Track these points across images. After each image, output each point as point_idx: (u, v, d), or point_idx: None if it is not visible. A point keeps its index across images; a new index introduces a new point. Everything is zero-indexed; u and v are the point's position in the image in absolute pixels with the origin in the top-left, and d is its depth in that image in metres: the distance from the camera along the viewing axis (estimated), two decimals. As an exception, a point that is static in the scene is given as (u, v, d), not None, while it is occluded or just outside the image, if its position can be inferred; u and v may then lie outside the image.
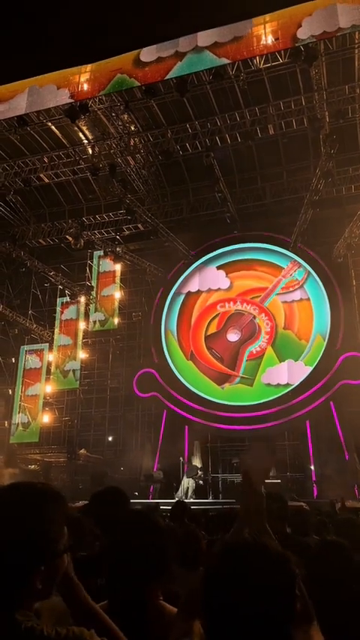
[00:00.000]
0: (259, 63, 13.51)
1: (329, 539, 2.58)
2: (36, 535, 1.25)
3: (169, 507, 6.17)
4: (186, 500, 13.27)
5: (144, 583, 1.66)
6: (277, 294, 17.94)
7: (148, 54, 13.47)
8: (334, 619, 1.66)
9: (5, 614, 1.20)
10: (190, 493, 14.96)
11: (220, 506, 11.68)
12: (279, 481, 14.80)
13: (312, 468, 15.65)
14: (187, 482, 15.11)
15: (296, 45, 12.42)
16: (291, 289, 17.88)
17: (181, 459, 15.94)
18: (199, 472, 15.48)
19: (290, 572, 1.14)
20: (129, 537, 1.72)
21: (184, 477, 15.22)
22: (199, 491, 15.51)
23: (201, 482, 15.83)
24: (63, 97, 14.36)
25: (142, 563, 1.65)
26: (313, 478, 15.21)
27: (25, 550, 1.23)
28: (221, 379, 17.58)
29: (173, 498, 14.83)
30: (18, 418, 19.16)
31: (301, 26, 12.31)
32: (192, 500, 14.20)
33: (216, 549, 1.23)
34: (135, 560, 1.65)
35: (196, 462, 16.33)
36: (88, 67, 14.53)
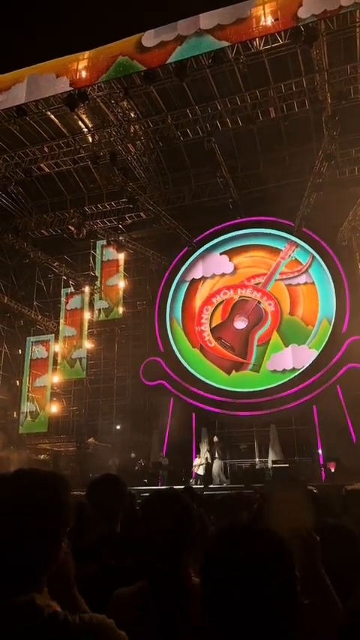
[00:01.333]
0: (259, 45, 13.29)
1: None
2: (57, 519, 1.28)
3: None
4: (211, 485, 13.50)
5: (178, 557, 1.69)
6: (282, 278, 17.88)
7: (149, 38, 13.27)
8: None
9: (27, 599, 1.20)
10: (222, 475, 15.15)
11: (229, 491, 11.76)
12: (287, 465, 14.89)
13: (320, 452, 15.71)
14: (218, 465, 15.27)
15: (297, 25, 12.20)
16: (296, 273, 17.81)
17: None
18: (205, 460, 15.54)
19: (287, 555, 1.14)
20: (159, 514, 1.76)
21: (215, 460, 15.36)
22: (207, 477, 15.62)
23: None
24: (62, 86, 14.19)
25: (175, 537, 1.69)
26: (321, 462, 15.26)
27: (47, 533, 1.25)
28: (231, 367, 17.60)
29: (181, 484, 14.96)
30: (26, 408, 19.30)
31: (302, 5, 12.07)
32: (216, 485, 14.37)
33: (213, 533, 1.24)
34: (167, 535, 1.69)
35: (204, 450, 16.42)
36: (87, 53, 14.33)
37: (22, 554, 1.22)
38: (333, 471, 13.39)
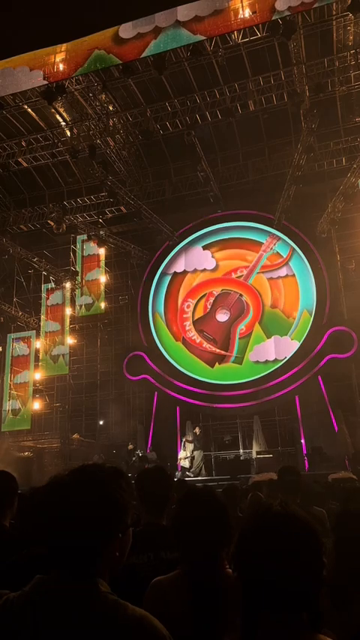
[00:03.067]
0: (237, 38, 13.30)
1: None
2: (119, 504, 1.33)
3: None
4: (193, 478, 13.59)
5: (216, 552, 1.79)
6: (263, 271, 18.01)
7: (126, 30, 13.15)
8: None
9: (91, 584, 1.24)
10: (201, 466, 15.28)
11: (216, 483, 11.88)
12: (271, 455, 15.10)
13: (303, 442, 15.95)
14: (198, 456, 15.37)
15: (274, 18, 12.23)
16: (277, 266, 17.96)
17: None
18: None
19: (318, 539, 1.21)
20: (199, 512, 1.86)
21: (195, 451, 15.45)
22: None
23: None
24: (38, 79, 13.98)
25: (213, 533, 1.80)
26: (304, 452, 15.51)
27: (111, 518, 1.30)
28: (213, 360, 17.71)
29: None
30: (8, 406, 19.13)
31: (278, -2, 12.10)
32: (192, 477, 14.46)
33: (247, 516, 1.29)
34: (207, 531, 1.79)
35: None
36: (63, 46, 14.13)
37: (85, 536, 1.26)
38: None
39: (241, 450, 17.01)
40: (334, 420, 15.48)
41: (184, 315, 18.42)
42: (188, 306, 18.45)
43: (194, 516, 1.84)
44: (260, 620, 1.15)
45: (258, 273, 18.04)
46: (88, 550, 1.27)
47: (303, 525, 1.21)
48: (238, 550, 1.24)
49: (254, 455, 15.64)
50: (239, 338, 17.57)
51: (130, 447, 15.72)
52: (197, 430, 16.05)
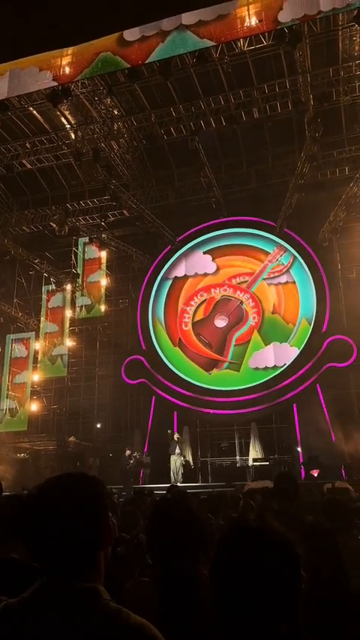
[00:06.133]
0: (243, 46, 13.37)
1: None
2: (103, 514, 1.34)
3: (163, 492, 6.24)
4: (178, 484, 13.44)
5: (196, 559, 1.77)
6: (264, 278, 18.02)
7: (131, 34, 13.21)
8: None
9: (91, 587, 1.24)
10: (180, 474, 15.06)
11: (211, 490, 11.83)
12: (267, 463, 15.05)
13: (299, 450, 15.90)
14: (175, 462, 15.16)
15: (278, 27, 12.30)
16: (277, 273, 17.98)
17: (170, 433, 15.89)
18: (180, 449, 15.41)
19: (294, 555, 1.18)
20: (169, 529, 1.82)
21: (171, 456, 15.25)
22: (189, 475, 15.67)
23: (191, 465, 16.03)
24: (45, 81, 14.03)
25: (186, 551, 1.77)
26: (301, 460, 15.45)
27: (99, 526, 1.31)
28: (209, 365, 17.69)
29: (163, 483, 14.98)
30: (6, 406, 19.09)
31: (282, 9, 12.16)
32: (180, 483, 14.34)
33: (222, 533, 1.27)
34: (180, 549, 1.77)
35: (186, 449, 16.43)
36: (70, 49, 14.21)
37: (78, 536, 1.26)
38: (316, 475, 13.35)
39: (238, 457, 16.96)
40: (331, 429, 15.44)
41: (185, 317, 18.41)
42: (189, 309, 18.46)
43: (164, 535, 1.80)
44: (236, 635, 1.13)
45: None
46: (84, 555, 1.27)
47: (277, 540, 1.18)
48: (211, 567, 1.22)
49: (250, 462, 15.59)
50: (235, 345, 17.55)
51: (128, 452, 15.62)
52: (176, 436, 15.69)
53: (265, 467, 14.63)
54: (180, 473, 15.05)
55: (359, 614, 2.13)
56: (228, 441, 17.62)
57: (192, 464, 16.46)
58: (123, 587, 1.87)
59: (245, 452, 16.70)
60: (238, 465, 16.31)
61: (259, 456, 15.88)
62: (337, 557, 2.38)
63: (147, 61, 13.21)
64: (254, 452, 16.07)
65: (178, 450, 15.23)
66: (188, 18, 12.71)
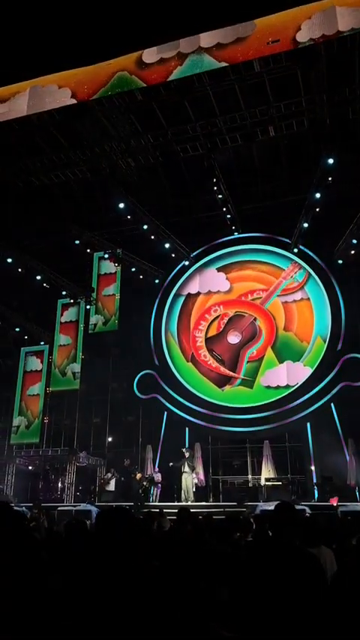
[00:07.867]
0: (259, 66, 13.47)
1: None
2: None
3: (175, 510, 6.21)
4: (188, 503, 13.29)
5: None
6: (278, 295, 17.94)
7: (150, 54, 13.39)
8: None
9: None
10: (191, 492, 14.90)
11: (222, 509, 11.67)
12: (280, 483, 14.83)
13: (313, 469, 15.66)
14: (186, 479, 15.01)
15: (296, 48, 12.37)
16: (292, 291, 17.89)
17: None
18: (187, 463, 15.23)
19: (320, 569, 1.19)
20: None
21: (182, 474, 15.07)
22: (199, 494, 15.51)
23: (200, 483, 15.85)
24: (64, 98, 14.28)
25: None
26: (314, 480, 15.21)
27: None
28: (222, 381, 17.59)
29: (174, 500, 14.84)
30: (19, 419, 19.14)
31: (300, 29, 12.25)
32: (191, 502, 14.18)
33: (252, 550, 1.30)
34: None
35: (197, 464, 16.27)
36: (88, 68, 14.46)
37: None
38: (335, 505, 12.66)
39: (250, 476, 16.73)
40: (345, 449, 15.19)
41: (197, 333, 18.37)
42: (203, 325, 18.42)
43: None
44: None
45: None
46: None
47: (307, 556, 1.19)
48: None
49: (263, 481, 15.36)
50: (248, 361, 17.44)
51: (139, 475, 15.38)
52: (186, 453, 15.46)
53: (277, 487, 14.41)
54: (191, 492, 14.90)
55: None
56: (240, 459, 17.42)
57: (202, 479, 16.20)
58: None
59: (257, 470, 16.47)
60: (250, 484, 16.08)
61: (272, 475, 15.66)
62: None
63: (165, 81, 13.38)
64: (267, 471, 15.86)
65: (187, 469, 15.08)
66: (206, 39, 12.81)
